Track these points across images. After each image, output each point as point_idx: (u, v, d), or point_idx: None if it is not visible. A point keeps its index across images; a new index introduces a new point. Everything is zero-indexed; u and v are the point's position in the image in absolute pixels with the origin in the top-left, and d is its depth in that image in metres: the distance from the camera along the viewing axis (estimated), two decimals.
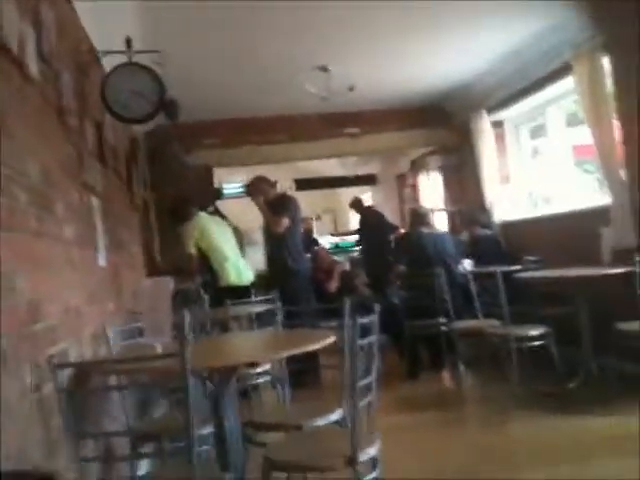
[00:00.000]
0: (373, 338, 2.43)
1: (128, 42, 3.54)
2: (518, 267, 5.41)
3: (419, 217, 6.36)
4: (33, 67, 2.45)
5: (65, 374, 2.18)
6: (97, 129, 3.83)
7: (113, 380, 2.97)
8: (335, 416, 2.74)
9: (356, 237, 9.51)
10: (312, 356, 4.84)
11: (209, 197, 7.17)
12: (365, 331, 2.42)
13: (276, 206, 5.77)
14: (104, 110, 3.67)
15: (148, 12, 4.03)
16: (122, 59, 3.56)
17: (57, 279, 2.51)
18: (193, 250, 5.69)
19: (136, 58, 3.55)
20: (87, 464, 2.30)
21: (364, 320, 2.33)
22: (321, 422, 2.72)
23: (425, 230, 6.16)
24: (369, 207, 8.77)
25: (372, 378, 2.46)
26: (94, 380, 2.73)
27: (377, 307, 2.54)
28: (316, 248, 8.23)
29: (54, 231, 2.54)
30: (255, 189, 5.89)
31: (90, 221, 3.35)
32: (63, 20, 3.10)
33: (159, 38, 4.19)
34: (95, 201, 3.50)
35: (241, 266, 5.88)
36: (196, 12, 4.19)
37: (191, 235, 5.70)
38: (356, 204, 8.68)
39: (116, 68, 3.52)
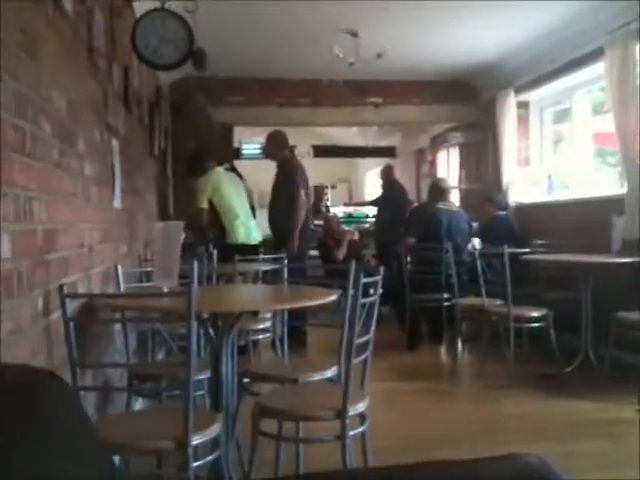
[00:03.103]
0: (374, 298, 2.49)
1: None
2: (526, 250, 5.42)
3: (439, 191, 6.36)
4: (67, 2, 2.48)
5: (73, 305, 2.25)
6: (124, 73, 3.87)
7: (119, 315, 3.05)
8: (330, 373, 2.78)
9: (370, 208, 9.40)
10: (300, 317, 4.93)
11: (227, 154, 7.18)
12: (367, 293, 2.48)
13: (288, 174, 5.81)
14: (132, 55, 3.70)
15: None
16: (154, 5, 3.58)
17: (73, 213, 2.57)
18: (205, 205, 5.59)
19: (168, 5, 3.57)
20: (85, 394, 2.37)
21: (367, 280, 2.38)
22: (316, 377, 2.76)
23: (442, 205, 6.18)
24: (396, 179, 8.50)
25: (370, 336, 2.52)
26: (101, 314, 2.82)
27: (381, 270, 2.59)
28: (327, 214, 8.14)
29: (74, 166, 2.60)
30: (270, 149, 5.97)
31: (109, 162, 3.41)
32: None
33: None
34: (116, 143, 3.55)
35: (251, 225, 5.83)
36: None
37: (204, 189, 5.60)
38: (388, 172, 8.21)
39: (147, 13, 3.55)
